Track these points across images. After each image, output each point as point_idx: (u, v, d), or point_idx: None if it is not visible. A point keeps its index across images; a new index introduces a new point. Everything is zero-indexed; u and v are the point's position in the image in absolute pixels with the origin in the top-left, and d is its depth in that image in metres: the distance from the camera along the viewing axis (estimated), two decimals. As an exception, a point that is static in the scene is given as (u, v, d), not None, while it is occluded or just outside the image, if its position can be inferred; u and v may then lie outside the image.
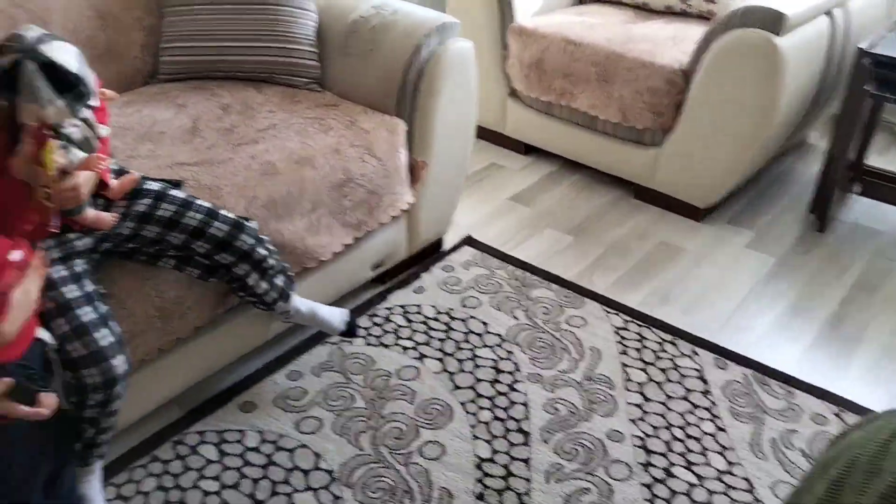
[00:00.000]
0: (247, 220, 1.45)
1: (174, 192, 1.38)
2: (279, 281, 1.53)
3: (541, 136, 2.66)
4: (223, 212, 1.41)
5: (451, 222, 2.18)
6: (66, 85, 1.08)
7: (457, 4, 2.62)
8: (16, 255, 1.03)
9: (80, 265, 1.24)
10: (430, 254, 2.18)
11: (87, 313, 1.19)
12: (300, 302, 1.62)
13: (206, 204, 1.40)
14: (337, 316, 1.68)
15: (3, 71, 1.05)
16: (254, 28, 1.89)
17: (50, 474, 1.19)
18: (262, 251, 1.43)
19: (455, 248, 2.21)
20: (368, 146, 1.78)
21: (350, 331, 1.71)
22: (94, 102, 1.16)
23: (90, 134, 1.16)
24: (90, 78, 1.15)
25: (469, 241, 2.25)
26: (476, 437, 1.58)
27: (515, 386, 1.72)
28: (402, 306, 1.97)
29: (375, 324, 1.90)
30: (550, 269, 2.14)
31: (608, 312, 1.96)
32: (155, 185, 1.37)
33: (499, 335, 1.87)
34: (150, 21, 1.93)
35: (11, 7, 1.71)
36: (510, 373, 1.76)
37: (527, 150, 2.76)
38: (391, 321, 1.91)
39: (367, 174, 1.78)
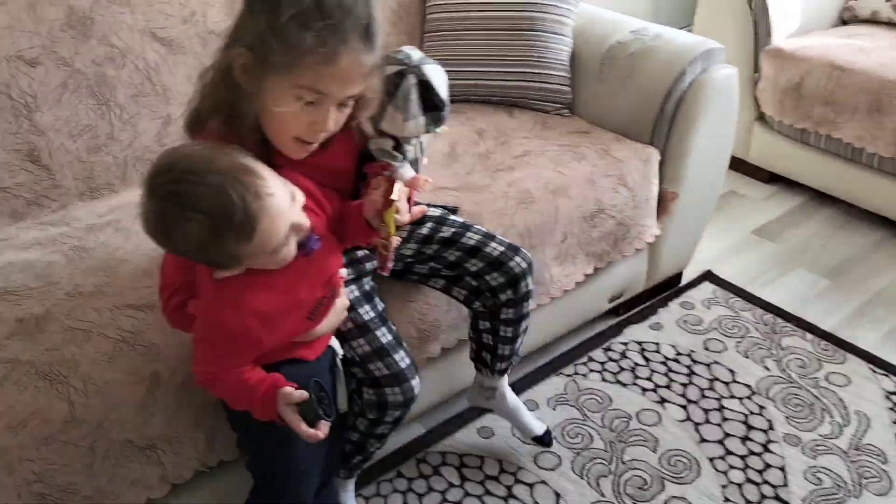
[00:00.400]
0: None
1: (453, 217, 1.41)
2: (517, 348, 1.47)
3: (789, 166, 2.46)
4: (499, 236, 1.41)
5: (692, 257, 2.07)
6: (431, 105, 1.12)
7: (706, 23, 2.49)
8: (344, 272, 1.13)
9: (368, 284, 1.30)
10: (668, 287, 2.08)
11: (384, 334, 1.24)
12: (508, 390, 1.54)
13: (484, 228, 1.41)
14: (536, 422, 1.57)
15: (388, 77, 1.11)
16: (510, 53, 1.89)
17: (321, 482, 1.26)
18: (530, 285, 1.42)
19: (694, 284, 2.09)
20: (621, 176, 1.73)
21: (546, 439, 1.57)
22: (441, 129, 1.18)
23: (419, 156, 1.21)
24: (449, 105, 1.17)
25: (709, 277, 2.12)
26: (727, 500, 1.48)
27: (770, 446, 1.59)
28: (638, 342, 1.89)
29: (611, 359, 1.84)
30: (804, 316, 1.96)
31: (876, 373, 1.76)
32: (436, 211, 1.41)
33: (748, 386, 1.74)
34: (413, 46, 2.00)
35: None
36: (763, 431, 1.62)
37: (770, 178, 2.57)
38: (628, 357, 1.84)
39: (618, 205, 1.72)
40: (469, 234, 1.38)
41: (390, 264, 1.19)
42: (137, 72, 1.62)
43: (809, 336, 1.89)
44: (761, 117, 2.48)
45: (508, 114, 1.91)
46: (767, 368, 1.79)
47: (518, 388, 1.76)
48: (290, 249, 1.00)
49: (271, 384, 1.04)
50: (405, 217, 1.12)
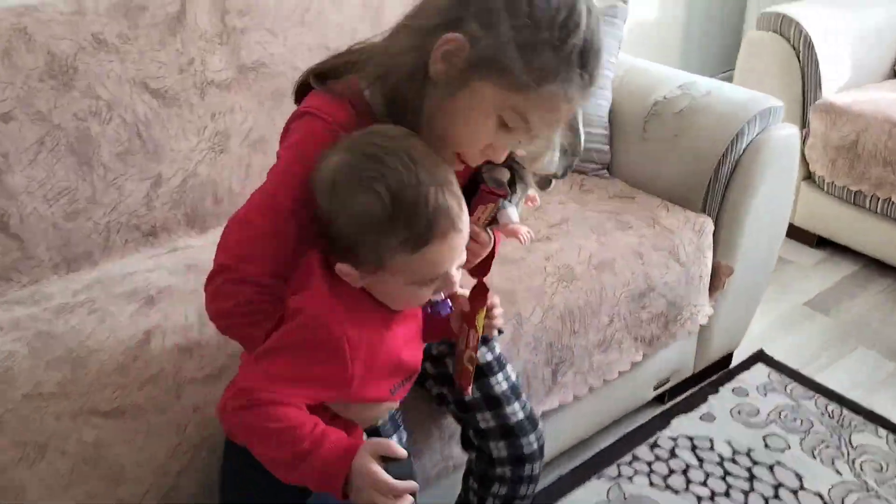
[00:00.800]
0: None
1: (494, 343, 1.18)
2: None
3: (841, 230, 2.25)
4: (524, 395, 1.18)
5: (744, 335, 1.85)
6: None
7: (747, 74, 2.30)
8: None
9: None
10: (717, 369, 1.85)
11: (499, 382, 1.14)
12: None
13: (513, 373, 1.18)
14: None
15: None
16: (544, 108, 1.70)
17: None
18: (535, 469, 1.18)
19: (746, 366, 1.87)
20: (673, 249, 1.52)
21: None
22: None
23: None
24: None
25: (762, 358, 1.89)
26: None
27: (855, 573, 1.35)
28: (689, 437, 1.65)
29: (659, 457, 1.61)
30: (873, 407, 1.73)
31: (968, 479, 1.53)
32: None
33: (820, 496, 1.50)
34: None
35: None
36: (845, 552, 1.39)
37: (819, 243, 2.36)
38: (678, 456, 1.61)
39: (669, 282, 1.51)
40: (501, 376, 1.15)
41: (469, 383, 1.03)
42: (125, 127, 1.42)
43: (882, 431, 1.65)
44: (809, 176, 2.27)
45: (541, 175, 1.71)
46: (839, 472, 1.55)
47: (553, 493, 1.53)
48: (425, 295, 0.88)
49: (348, 437, 0.83)
50: (499, 320, 1.00)
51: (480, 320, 0.97)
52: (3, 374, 1.12)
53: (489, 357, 1.15)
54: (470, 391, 1.06)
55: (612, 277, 1.43)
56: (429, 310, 0.99)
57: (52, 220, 1.37)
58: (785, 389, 1.79)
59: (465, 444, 1.21)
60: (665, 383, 1.70)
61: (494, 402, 1.15)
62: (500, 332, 1.20)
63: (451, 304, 0.98)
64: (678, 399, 1.78)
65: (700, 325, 1.62)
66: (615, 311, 1.43)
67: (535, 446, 1.16)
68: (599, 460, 1.60)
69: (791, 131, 1.63)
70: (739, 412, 1.72)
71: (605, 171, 1.74)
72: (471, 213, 0.92)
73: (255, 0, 1.53)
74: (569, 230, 1.50)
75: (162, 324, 1.22)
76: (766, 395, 1.77)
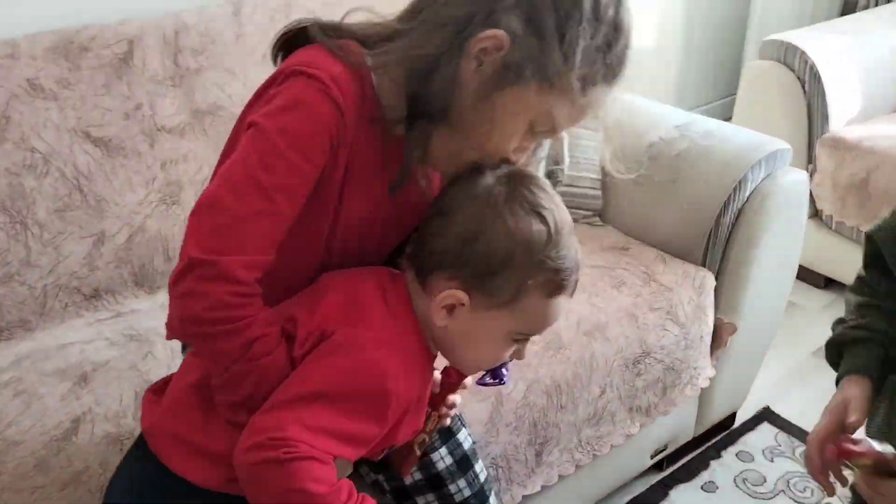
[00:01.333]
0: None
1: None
2: None
3: (851, 271, 2.10)
4: (477, 465, 1.05)
5: (748, 394, 1.71)
6: None
7: (749, 106, 2.17)
8: None
9: None
10: (719, 429, 1.71)
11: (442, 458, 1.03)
12: None
13: (467, 443, 1.05)
14: None
15: None
16: (530, 150, 1.57)
17: None
18: None
19: (751, 426, 1.72)
20: (671, 309, 1.38)
21: None
22: None
23: None
24: None
25: (768, 416, 1.75)
26: None
27: None
28: (691, 511, 1.51)
29: (657, 534, 1.47)
30: (892, 474, 1.58)
31: None
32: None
33: (837, 581, 1.36)
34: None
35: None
36: None
37: (827, 283, 2.22)
38: (678, 533, 1.46)
39: (666, 346, 1.37)
40: (442, 451, 1.02)
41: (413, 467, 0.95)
42: (64, 180, 1.29)
43: (903, 503, 1.51)
44: (816, 214, 2.14)
45: (527, 222, 1.57)
46: (857, 553, 1.41)
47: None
48: (505, 354, 0.84)
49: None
50: (451, 412, 0.94)
51: (452, 404, 0.94)
52: None
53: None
54: (410, 473, 0.95)
55: (604, 344, 1.29)
56: (488, 377, 0.90)
57: (-21, 286, 1.23)
58: (794, 453, 1.64)
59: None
60: (663, 450, 1.56)
61: (436, 482, 1.01)
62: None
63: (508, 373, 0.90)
64: (677, 465, 1.64)
65: (702, 389, 1.48)
66: (607, 382, 1.29)
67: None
68: (592, 539, 1.46)
69: (799, 177, 1.50)
70: (744, 480, 1.58)
71: (598, 217, 1.60)
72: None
73: (210, 38, 1.40)
74: (556, 289, 1.36)
75: (93, 408, 1.08)
76: (772, 460, 1.63)
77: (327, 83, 0.75)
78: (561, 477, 1.30)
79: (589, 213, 1.59)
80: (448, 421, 0.95)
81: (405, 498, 1.03)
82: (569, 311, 1.29)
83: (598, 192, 1.59)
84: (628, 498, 1.56)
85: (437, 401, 0.91)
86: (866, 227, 1.95)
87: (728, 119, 2.17)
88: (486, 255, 0.77)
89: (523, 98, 0.77)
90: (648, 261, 1.46)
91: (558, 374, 1.23)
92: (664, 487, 1.57)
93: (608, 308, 1.33)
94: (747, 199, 1.45)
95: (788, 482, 1.57)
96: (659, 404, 1.40)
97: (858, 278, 1.02)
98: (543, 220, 0.78)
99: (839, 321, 1.00)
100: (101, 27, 1.35)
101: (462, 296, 0.78)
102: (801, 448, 1.65)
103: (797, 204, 1.50)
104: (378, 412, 0.75)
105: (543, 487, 1.27)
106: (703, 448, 1.67)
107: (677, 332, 1.38)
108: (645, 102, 1.69)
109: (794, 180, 1.48)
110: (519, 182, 0.80)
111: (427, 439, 0.92)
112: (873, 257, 1.00)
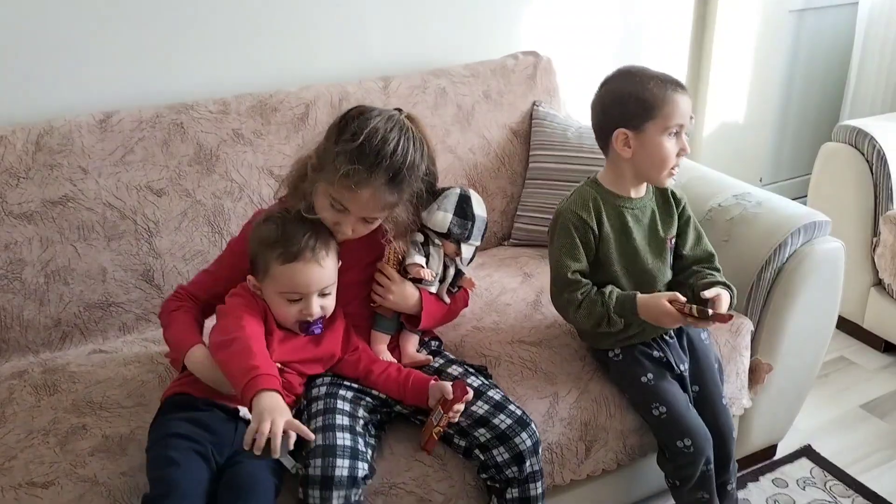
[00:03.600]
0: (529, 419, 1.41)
1: (473, 380, 1.44)
2: None
3: (909, 337, 2.30)
4: (513, 405, 1.40)
5: (788, 429, 1.95)
6: (464, 216, 1.47)
7: (822, 183, 2.41)
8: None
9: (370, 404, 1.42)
10: (762, 458, 1.96)
11: (480, 405, 1.41)
12: None
13: (499, 393, 1.42)
14: None
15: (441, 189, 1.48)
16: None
17: None
18: (536, 465, 1.39)
19: (791, 459, 1.96)
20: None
21: None
22: (466, 249, 1.50)
23: (461, 268, 1.53)
24: (479, 229, 1.50)
25: (808, 453, 1.98)
26: None
27: None
28: (721, 520, 1.77)
29: (689, 535, 1.73)
30: (912, 514, 1.79)
31: None
32: (458, 369, 1.46)
33: (838, 590, 1.59)
34: (512, 190, 2.07)
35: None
36: None
37: (886, 347, 2.40)
38: (707, 536, 1.73)
39: (705, 376, 1.66)
40: (481, 401, 1.39)
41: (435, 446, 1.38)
42: (252, 204, 1.75)
43: (917, 539, 1.71)
44: (879, 283, 2.34)
45: (600, 266, 1.91)
46: (863, 572, 1.63)
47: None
48: (291, 311, 1.31)
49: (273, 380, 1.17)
50: (456, 416, 1.36)
51: (457, 411, 1.34)
52: (138, 399, 1.44)
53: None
54: (431, 452, 1.38)
55: (647, 366, 1.60)
56: (302, 332, 1.35)
57: (186, 276, 1.70)
58: (825, 486, 1.87)
59: (480, 469, 1.40)
60: (703, 468, 1.83)
61: (482, 421, 1.37)
62: (483, 370, 1.52)
63: (321, 326, 1.37)
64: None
65: (735, 416, 1.75)
66: (650, 398, 1.60)
67: (530, 443, 1.36)
68: (632, 533, 1.74)
69: (835, 245, 1.76)
70: (776, 502, 1.82)
71: (663, 267, 1.91)
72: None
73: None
74: (615, 320, 1.69)
75: None
76: (804, 488, 1.86)
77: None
78: (605, 471, 1.61)
79: (654, 262, 1.91)
80: (456, 418, 1.35)
81: (465, 435, 1.39)
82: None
83: (664, 246, 1.90)
84: (670, 505, 1.83)
85: (447, 407, 1.32)
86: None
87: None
88: (251, 258, 1.35)
89: (320, 185, 1.31)
90: (698, 305, 1.76)
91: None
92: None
93: (656, 338, 1.65)
94: (787, 259, 1.72)
95: (815, 509, 1.80)
96: (696, 423, 1.69)
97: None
98: (274, 226, 1.31)
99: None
100: (287, 93, 1.82)
101: (251, 279, 1.35)
102: (832, 482, 1.87)
103: (832, 268, 1.76)
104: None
105: (589, 476, 1.58)
106: (744, 472, 1.92)
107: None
108: (711, 173, 2.00)
109: (831, 248, 1.74)
110: (275, 213, 1.38)
111: (442, 432, 1.36)
112: None
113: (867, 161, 2.29)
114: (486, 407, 1.38)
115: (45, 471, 1.28)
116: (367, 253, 1.45)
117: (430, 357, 1.50)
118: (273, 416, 1.10)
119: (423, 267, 1.44)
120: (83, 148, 1.64)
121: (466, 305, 1.61)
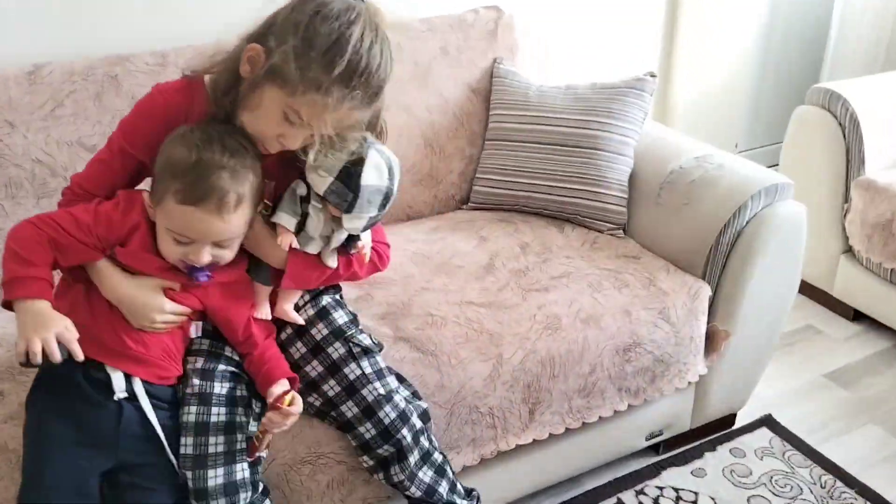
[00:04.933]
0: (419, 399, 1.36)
1: (370, 358, 1.34)
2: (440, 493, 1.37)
3: (877, 306, 2.26)
4: (400, 393, 1.33)
5: (748, 399, 1.91)
6: (347, 185, 1.18)
7: (794, 148, 2.36)
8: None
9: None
10: (720, 428, 1.93)
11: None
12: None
13: (392, 382, 1.34)
14: None
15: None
16: (567, 169, 1.86)
17: None
18: (408, 439, 1.32)
19: (750, 429, 1.93)
20: (663, 310, 1.63)
21: None
22: (350, 220, 1.21)
23: (327, 233, 1.25)
24: (368, 202, 1.20)
25: (768, 423, 1.95)
26: None
27: None
28: (675, 489, 1.74)
29: (641, 503, 1.71)
30: (868, 482, 1.76)
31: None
32: (365, 340, 1.35)
33: (788, 559, 1.57)
34: (470, 151, 2.01)
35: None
36: None
37: (856, 316, 2.36)
38: (659, 504, 1.70)
39: (656, 340, 1.62)
40: (373, 386, 1.31)
41: (260, 454, 1.25)
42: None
43: (871, 507, 1.69)
44: (849, 250, 2.30)
45: (559, 229, 1.86)
46: (815, 540, 1.60)
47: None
48: (176, 251, 1.12)
49: (47, 286, 1.06)
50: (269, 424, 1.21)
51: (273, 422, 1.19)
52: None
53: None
54: (255, 456, 1.24)
55: (597, 331, 1.56)
56: (189, 274, 1.17)
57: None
58: (783, 456, 1.84)
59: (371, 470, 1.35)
60: (658, 435, 1.80)
61: (368, 412, 1.30)
62: (380, 347, 1.40)
63: (208, 275, 1.17)
64: (674, 452, 1.87)
65: (691, 383, 1.72)
66: (598, 362, 1.56)
67: (410, 438, 1.30)
68: (584, 500, 1.72)
69: (797, 209, 1.71)
70: (732, 472, 1.80)
71: (621, 231, 1.86)
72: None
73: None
74: (568, 284, 1.64)
75: None
76: (762, 458, 1.83)
77: (164, 95, 1.19)
78: (552, 435, 1.57)
79: (613, 226, 1.86)
80: (282, 427, 1.21)
81: (333, 407, 1.32)
82: (570, 300, 1.58)
83: (623, 209, 1.85)
84: (625, 472, 1.80)
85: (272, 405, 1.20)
86: (889, 265, 2.12)
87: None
88: (154, 173, 1.14)
89: (272, 95, 1.09)
90: (654, 269, 1.71)
91: (553, 349, 1.52)
92: (658, 468, 1.81)
93: (606, 303, 1.60)
94: (746, 223, 1.68)
95: (771, 478, 1.77)
96: (647, 389, 1.65)
97: None
98: (188, 149, 1.08)
99: None
100: (229, 45, 1.75)
101: (146, 195, 1.14)
102: (791, 452, 1.85)
103: (794, 233, 1.71)
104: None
105: (535, 441, 1.55)
106: (701, 441, 1.89)
107: (668, 330, 1.63)
108: (674, 135, 1.94)
109: (792, 212, 1.70)
110: (195, 128, 1.12)
111: (262, 436, 1.23)
112: None
113: (840, 125, 2.23)
114: (375, 393, 1.30)
115: None
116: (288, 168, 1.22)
117: (301, 320, 1.32)
118: (41, 334, 1.00)
119: (285, 230, 1.21)
120: (10, 101, 1.57)
121: (369, 271, 1.35)
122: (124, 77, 1.64)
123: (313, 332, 1.35)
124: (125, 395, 1.14)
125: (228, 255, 1.16)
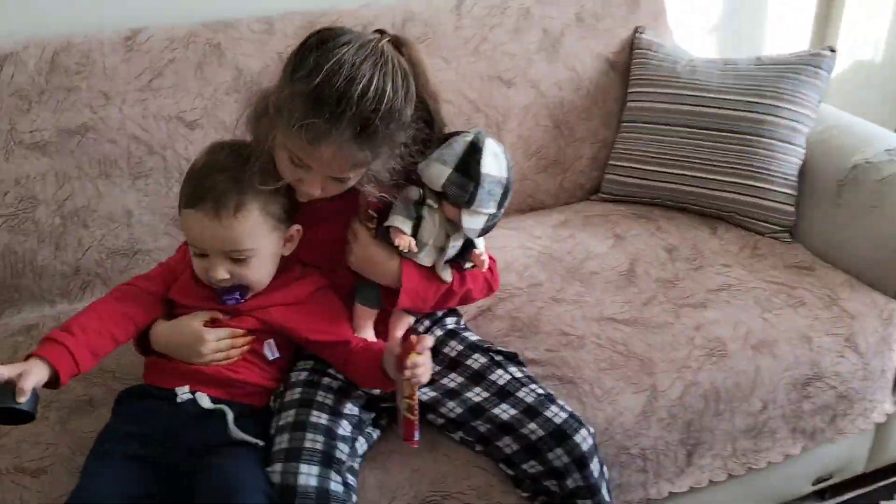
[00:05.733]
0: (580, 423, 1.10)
1: (497, 374, 1.14)
2: None
3: None
4: (553, 408, 1.10)
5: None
6: (467, 173, 1.04)
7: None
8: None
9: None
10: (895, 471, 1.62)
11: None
12: None
13: (543, 389, 1.12)
14: None
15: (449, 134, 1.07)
16: (723, 159, 1.57)
17: None
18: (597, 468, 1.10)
19: (933, 473, 1.62)
20: (850, 337, 1.35)
21: None
22: (469, 218, 1.05)
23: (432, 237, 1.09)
24: (489, 195, 1.05)
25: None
26: None
27: None
28: (846, 546, 1.46)
29: (806, 561, 1.44)
30: None
31: None
32: (481, 359, 1.16)
33: None
34: (604, 134, 1.74)
35: (473, 111, 1.63)
36: None
37: None
38: (828, 565, 1.42)
39: (841, 374, 1.34)
40: (528, 388, 1.12)
41: (417, 435, 1.02)
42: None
43: None
44: None
45: (711, 230, 1.58)
46: None
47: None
48: (199, 269, 1.05)
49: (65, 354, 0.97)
50: (417, 371, 0.96)
51: (414, 366, 0.95)
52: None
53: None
54: (416, 441, 1.02)
55: (770, 360, 1.29)
56: (219, 299, 1.08)
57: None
58: (977, 512, 1.53)
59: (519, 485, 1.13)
60: (826, 479, 1.51)
61: (530, 411, 1.10)
62: (513, 357, 1.19)
63: (237, 299, 1.07)
64: (842, 498, 1.58)
65: (877, 424, 1.43)
66: (771, 398, 1.29)
67: (591, 441, 1.09)
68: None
69: None
70: (914, 528, 1.50)
71: (787, 234, 1.57)
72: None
73: (432, 27, 1.54)
74: (729, 299, 1.38)
75: None
76: (951, 514, 1.53)
77: None
78: (712, 482, 1.31)
79: (779, 228, 1.57)
80: (424, 379, 0.98)
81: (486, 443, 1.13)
82: (735, 321, 1.31)
83: (792, 209, 1.56)
84: (781, 521, 1.53)
85: (400, 363, 0.96)
86: None
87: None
88: None
89: (277, 133, 0.98)
90: (834, 284, 1.42)
91: (718, 380, 1.25)
92: (820, 517, 1.53)
93: (781, 325, 1.32)
94: (957, 233, 1.37)
95: (964, 540, 1.47)
96: (826, 430, 1.37)
97: None
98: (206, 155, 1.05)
99: None
100: (342, 12, 1.53)
101: None
102: None
103: None
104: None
105: (692, 489, 1.30)
106: (874, 486, 1.60)
107: (855, 361, 1.34)
108: (858, 122, 1.63)
109: None
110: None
111: (412, 403, 0.99)
112: None
113: None
114: (534, 395, 1.11)
115: (39, 454, 1.08)
116: (348, 202, 1.09)
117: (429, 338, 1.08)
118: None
119: (401, 232, 1.06)
120: (105, 69, 1.40)
121: (489, 291, 1.18)
122: (228, 45, 1.46)
123: (446, 350, 1.19)
124: (189, 396, 1.05)
125: (249, 273, 1.05)
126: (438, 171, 1.04)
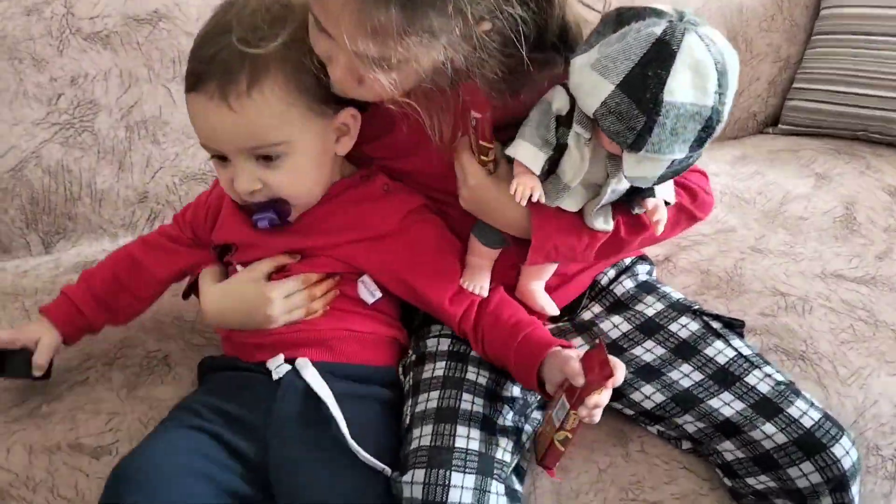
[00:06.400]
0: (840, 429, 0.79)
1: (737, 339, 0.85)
2: None
3: None
4: (800, 403, 0.79)
5: None
6: (638, 97, 0.64)
7: None
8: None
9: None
10: None
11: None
12: None
13: (777, 377, 0.81)
14: None
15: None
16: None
17: None
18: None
19: None
20: None
21: None
22: (639, 164, 0.68)
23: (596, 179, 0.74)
24: (676, 135, 0.66)
25: None
26: None
27: None
28: None
29: None
30: None
31: None
32: (692, 324, 0.85)
33: None
34: (788, 51, 1.42)
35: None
36: None
37: None
38: None
39: None
40: (762, 371, 0.81)
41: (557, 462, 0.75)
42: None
43: None
44: None
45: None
46: None
47: None
48: (223, 180, 0.78)
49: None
50: (593, 412, 0.68)
51: (595, 407, 0.69)
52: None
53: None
54: (554, 471, 0.75)
55: None
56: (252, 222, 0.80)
57: None
58: None
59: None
60: None
61: (764, 405, 0.80)
62: (737, 325, 0.89)
63: (271, 219, 0.79)
64: None
65: None
66: None
67: (817, 416, 0.78)
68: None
69: None
70: None
71: None
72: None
73: None
74: None
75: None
76: None
77: None
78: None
79: None
80: (596, 419, 0.70)
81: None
82: None
83: None
84: None
85: (578, 401, 0.69)
86: None
87: None
88: None
89: None
90: None
91: None
92: None
93: None
94: None
95: None
96: None
97: None
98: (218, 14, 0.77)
99: None
100: None
101: None
102: None
103: None
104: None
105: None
106: None
107: None
108: None
109: None
110: None
111: (571, 437, 0.73)
112: None
113: None
114: (770, 382, 0.80)
115: (99, 427, 0.82)
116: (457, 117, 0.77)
117: (555, 309, 0.85)
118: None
119: (525, 170, 0.72)
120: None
121: (690, 222, 0.85)
122: None
123: (639, 307, 0.88)
124: (287, 367, 0.79)
125: (282, 179, 0.76)
126: (592, 83, 0.66)
